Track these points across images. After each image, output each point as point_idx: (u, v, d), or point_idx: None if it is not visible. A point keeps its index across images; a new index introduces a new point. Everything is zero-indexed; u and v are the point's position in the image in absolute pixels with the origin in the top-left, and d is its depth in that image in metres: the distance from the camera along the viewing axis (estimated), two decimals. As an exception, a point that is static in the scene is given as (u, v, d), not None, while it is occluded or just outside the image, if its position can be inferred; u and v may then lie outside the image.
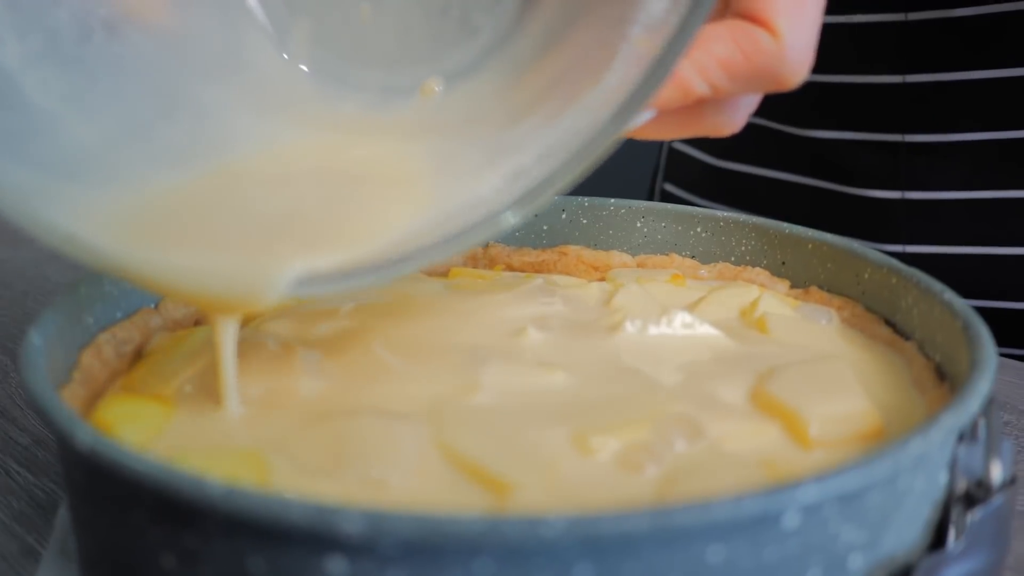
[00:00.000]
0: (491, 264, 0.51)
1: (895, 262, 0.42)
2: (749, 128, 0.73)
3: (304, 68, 0.42)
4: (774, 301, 0.44)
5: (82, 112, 0.36)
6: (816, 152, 0.71)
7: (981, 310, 0.69)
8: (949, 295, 0.38)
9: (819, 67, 0.69)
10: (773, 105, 0.72)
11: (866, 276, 0.44)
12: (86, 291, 0.39)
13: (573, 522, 0.24)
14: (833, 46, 0.68)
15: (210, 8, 0.41)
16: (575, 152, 0.31)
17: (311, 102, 0.41)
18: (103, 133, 0.36)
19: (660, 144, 0.86)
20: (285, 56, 0.42)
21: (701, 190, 0.80)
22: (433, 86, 0.40)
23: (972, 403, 0.30)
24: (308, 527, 0.24)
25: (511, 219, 0.32)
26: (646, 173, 0.90)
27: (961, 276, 0.67)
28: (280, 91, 0.41)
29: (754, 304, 0.44)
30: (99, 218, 0.33)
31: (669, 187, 0.84)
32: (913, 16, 0.64)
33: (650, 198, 0.88)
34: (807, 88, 0.73)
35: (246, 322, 0.43)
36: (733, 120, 0.36)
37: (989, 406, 0.32)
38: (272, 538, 0.25)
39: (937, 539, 0.31)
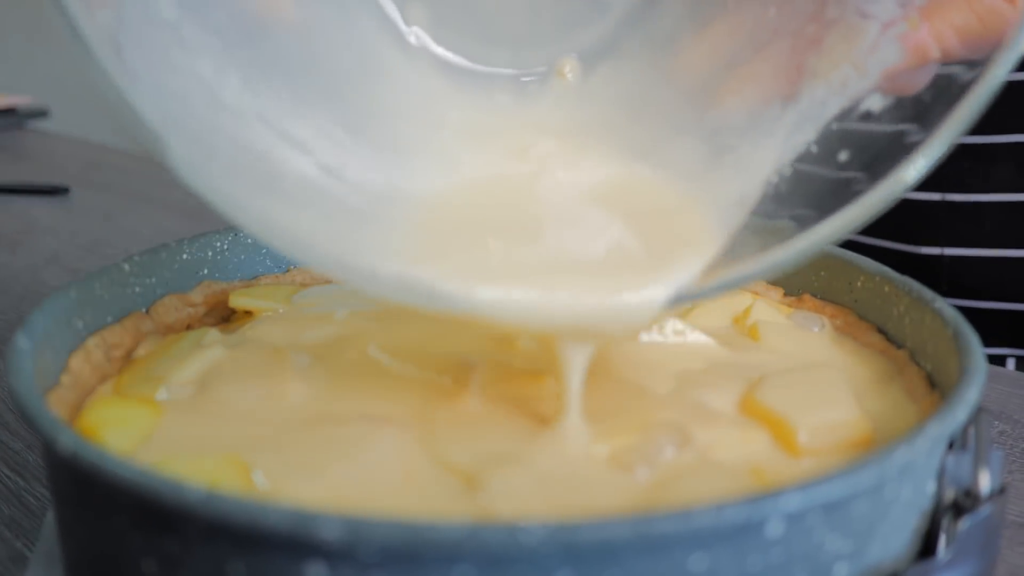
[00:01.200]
0: (485, 270, 0.51)
1: (888, 270, 0.42)
2: None
3: (434, 56, 0.39)
4: (767, 309, 0.44)
5: (295, 137, 0.34)
6: None
7: (1022, 314, 0.69)
8: (940, 303, 0.38)
9: None
10: None
11: (859, 284, 0.43)
12: (76, 295, 0.39)
13: (553, 529, 0.24)
14: None
15: None
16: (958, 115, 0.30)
17: (456, 99, 0.39)
18: (324, 160, 0.34)
19: None
20: (407, 45, 0.39)
21: None
22: (567, 67, 0.39)
23: (960, 412, 0.30)
24: (287, 532, 0.24)
25: (910, 177, 0.30)
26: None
27: (1002, 280, 0.67)
28: (419, 87, 0.39)
29: (747, 312, 0.44)
30: (427, 261, 0.32)
31: None
32: None
33: None
34: None
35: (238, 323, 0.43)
36: (924, 80, 0.35)
37: (978, 415, 0.32)
38: (252, 543, 0.25)
39: (925, 548, 0.30)
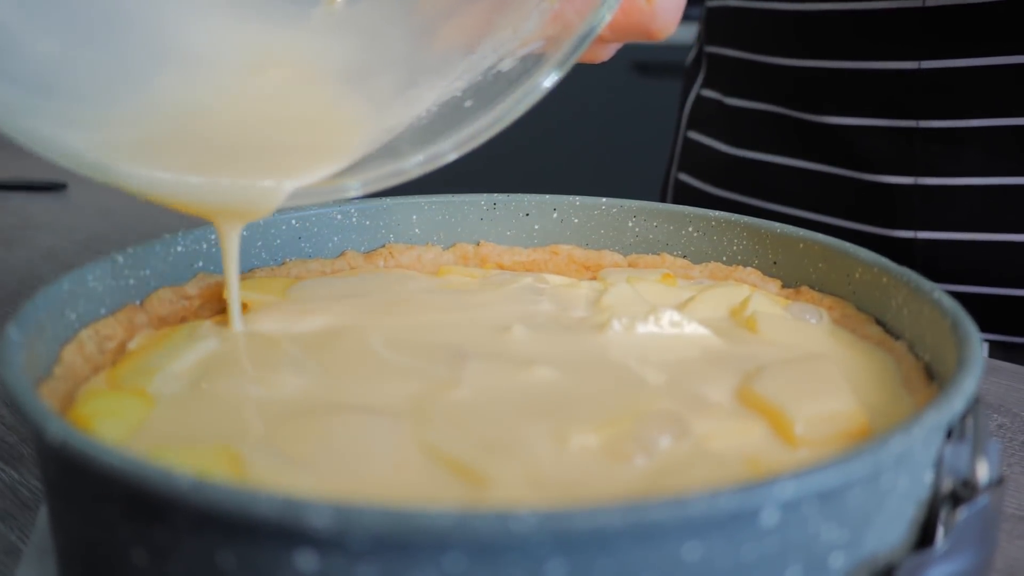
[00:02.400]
0: (482, 263, 0.51)
1: (886, 261, 0.42)
2: (764, 115, 0.74)
3: None
4: (764, 300, 0.44)
5: (37, 27, 0.38)
6: (831, 139, 0.71)
7: (994, 298, 0.70)
8: (938, 294, 0.37)
9: (835, 53, 0.69)
10: (788, 92, 0.72)
11: (857, 276, 0.43)
12: (69, 287, 0.39)
13: (544, 517, 0.23)
14: (850, 33, 0.68)
15: None
16: (510, 104, 0.37)
17: (235, 19, 0.43)
18: (60, 47, 0.39)
19: (675, 134, 0.86)
20: None
21: (716, 179, 0.79)
22: None
23: (956, 401, 0.29)
24: (276, 520, 0.24)
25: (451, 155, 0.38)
26: (661, 163, 0.89)
27: (974, 263, 0.67)
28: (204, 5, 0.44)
29: (744, 303, 0.44)
30: (98, 136, 0.37)
31: (684, 177, 0.83)
32: (931, 2, 0.64)
33: (664, 188, 0.87)
34: (823, 74, 0.73)
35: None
36: (606, 55, 0.44)
37: (976, 405, 0.32)
38: (241, 532, 0.25)
39: (922, 539, 0.30)
